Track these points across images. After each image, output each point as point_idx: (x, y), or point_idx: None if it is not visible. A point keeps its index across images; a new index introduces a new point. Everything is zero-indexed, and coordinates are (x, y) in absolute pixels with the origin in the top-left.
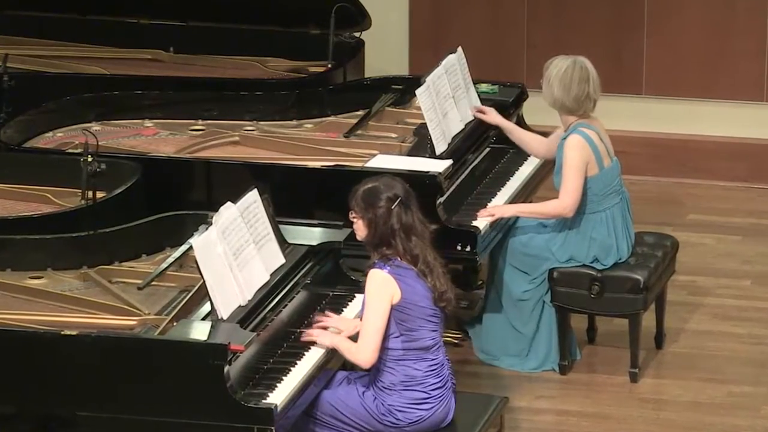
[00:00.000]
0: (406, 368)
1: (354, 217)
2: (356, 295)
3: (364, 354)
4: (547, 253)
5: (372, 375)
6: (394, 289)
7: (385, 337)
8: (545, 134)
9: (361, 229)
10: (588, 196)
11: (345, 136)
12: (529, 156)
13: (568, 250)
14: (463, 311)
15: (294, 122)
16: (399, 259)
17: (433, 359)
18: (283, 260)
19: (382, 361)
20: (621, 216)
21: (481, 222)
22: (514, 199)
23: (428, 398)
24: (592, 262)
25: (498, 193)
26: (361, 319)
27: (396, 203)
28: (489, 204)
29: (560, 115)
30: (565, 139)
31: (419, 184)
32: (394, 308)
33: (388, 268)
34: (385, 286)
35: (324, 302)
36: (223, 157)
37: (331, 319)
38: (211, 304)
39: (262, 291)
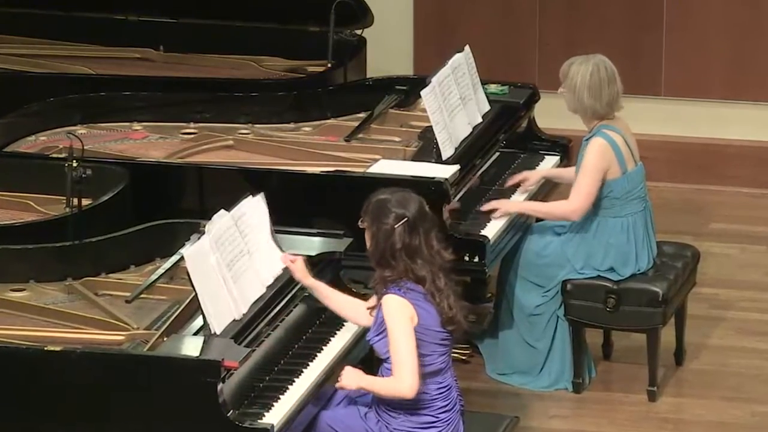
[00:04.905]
0: None
1: (363, 226)
2: None
3: (406, 381)
4: (562, 259)
5: (375, 395)
6: (412, 312)
7: None
8: (560, 140)
9: (368, 240)
10: (609, 199)
11: (346, 140)
12: (540, 161)
13: (583, 253)
14: (471, 326)
15: (291, 125)
16: (406, 280)
17: (441, 382)
18: (280, 272)
19: None
20: (643, 225)
21: (490, 230)
22: None
23: (436, 422)
24: (607, 271)
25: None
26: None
27: (401, 223)
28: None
29: (584, 119)
30: (588, 140)
31: (424, 190)
32: None
33: (402, 292)
34: (405, 310)
35: (323, 316)
36: (216, 162)
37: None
38: (204, 318)
39: (257, 304)
